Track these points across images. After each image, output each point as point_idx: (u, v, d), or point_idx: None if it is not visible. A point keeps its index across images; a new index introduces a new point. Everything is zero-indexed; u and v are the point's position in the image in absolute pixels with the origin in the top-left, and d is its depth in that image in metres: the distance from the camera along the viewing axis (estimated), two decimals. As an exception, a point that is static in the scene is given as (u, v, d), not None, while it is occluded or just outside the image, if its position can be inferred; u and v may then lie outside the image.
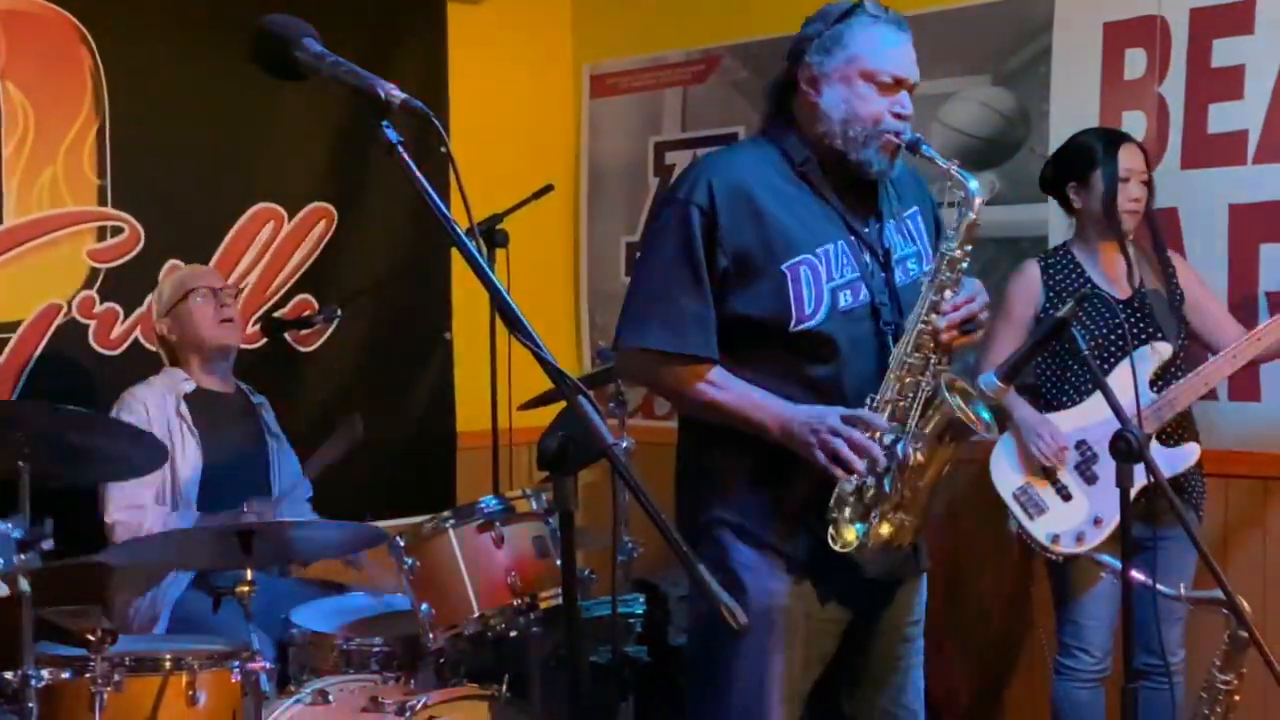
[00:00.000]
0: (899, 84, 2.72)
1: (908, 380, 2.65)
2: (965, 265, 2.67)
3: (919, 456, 2.63)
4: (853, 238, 2.73)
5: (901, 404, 2.65)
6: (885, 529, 2.65)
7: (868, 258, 2.74)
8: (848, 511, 2.65)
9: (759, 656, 2.72)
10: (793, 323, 2.67)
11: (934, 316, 2.65)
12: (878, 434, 2.61)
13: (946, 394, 2.62)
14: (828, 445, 2.60)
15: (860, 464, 2.59)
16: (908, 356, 2.65)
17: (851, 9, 2.74)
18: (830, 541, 2.65)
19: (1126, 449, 2.61)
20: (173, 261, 4.48)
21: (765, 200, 2.69)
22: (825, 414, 2.63)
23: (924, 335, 2.65)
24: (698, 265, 2.68)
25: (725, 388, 2.70)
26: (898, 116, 2.71)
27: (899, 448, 2.62)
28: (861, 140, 2.70)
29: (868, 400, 2.66)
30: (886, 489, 2.63)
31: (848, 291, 2.70)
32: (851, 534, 2.65)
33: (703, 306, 2.69)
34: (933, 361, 2.66)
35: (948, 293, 2.66)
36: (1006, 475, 3.78)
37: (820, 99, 2.72)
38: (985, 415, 2.68)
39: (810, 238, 2.70)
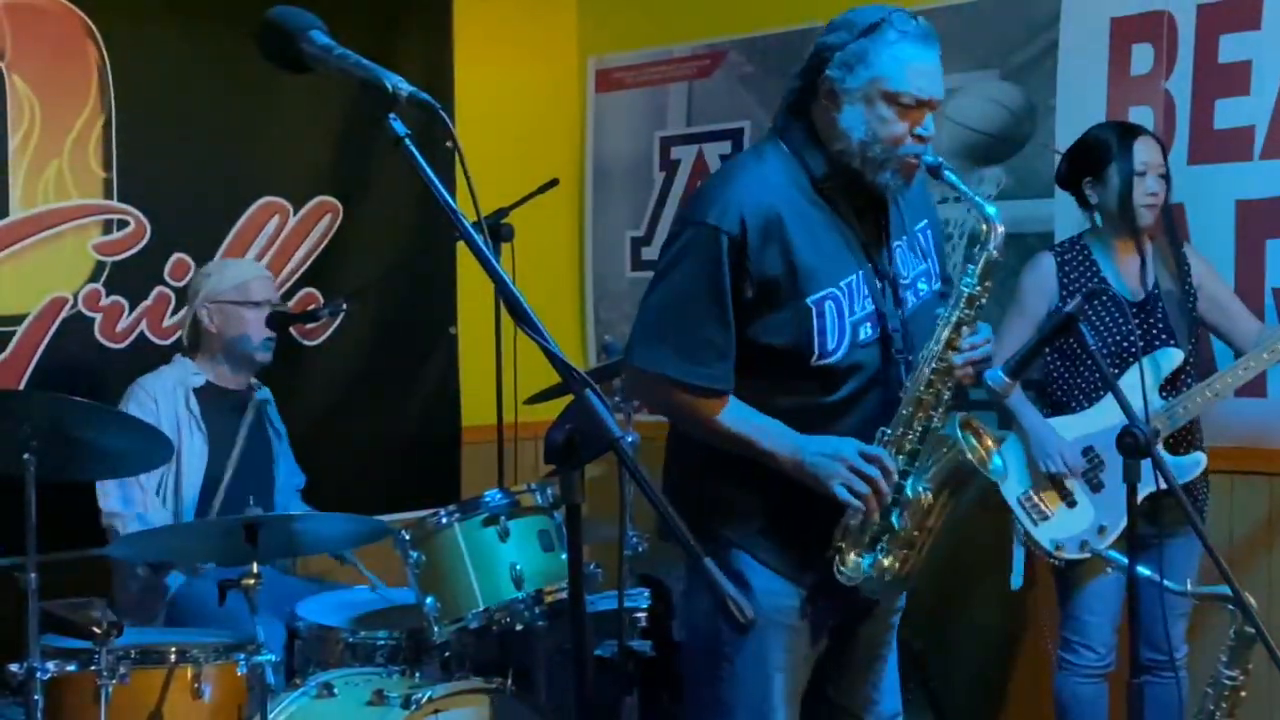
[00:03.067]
0: (922, 106, 2.62)
1: (920, 416, 2.64)
2: (984, 302, 2.65)
3: (927, 496, 2.63)
4: (870, 266, 2.71)
5: (911, 438, 2.65)
6: (890, 562, 2.65)
7: (880, 285, 2.72)
8: (853, 544, 2.66)
9: (765, 656, 2.73)
10: (815, 357, 2.65)
11: (950, 354, 2.63)
12: (891, 471, 2.61)
13: (960, 436, 2.61)
14: (845, 479, 2.60)
15: (874, 500, 2.60)
16: (922, 393, 2.63)
17: (878, 22, 2.61)
18: (836, 573, 2.66)
19: (1133, 445, 2.61)
20: (179, 255, 4.48)
21: (794, 229, 2.64)
22: (840, 447, 2.62)
23: (938, 372, 2.63)
24: (722, 294, 2.62)
25: (739, 419, 2.67)
26: (919, 139, 2.63)
27: (908, 486, 2.62)
28: (880, 162, 2.63)
29: (878, 434, 2.66)
30: (895, 525, 2.63)
31: (867, 325, 2.69)
32: (857, 566, 2.66)
33: (724, 337, 2.64)
34: (945, 398, 2.65)
35: (965, 330, 2.64)
36: (1011, 481, 3.77)
37: (839, 116, 2.64)
38: (998, 462, 2.67)
39: (834, 270, 2.67)
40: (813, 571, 2.71)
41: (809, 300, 2.64)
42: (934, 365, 2.63)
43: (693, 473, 2.81)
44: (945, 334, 2.63)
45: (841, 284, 2.67)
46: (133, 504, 3.80)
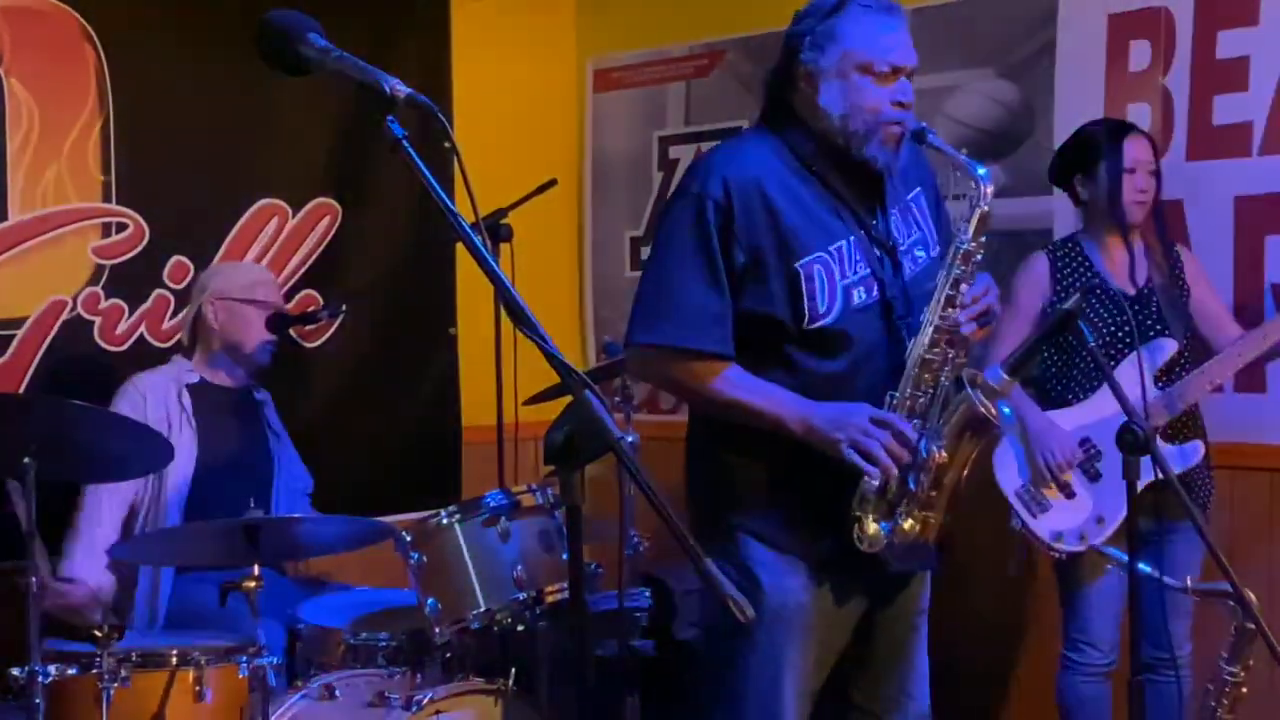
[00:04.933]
0: (897, 72, 2.67)
1: (926, 376, 2.65)
2: (980, 257, 2.67)
3: (942, 454, 2.63)
4: (862, 232, 2.72)
5: (921, 400, 2.65)
6: (910, 526, 2.65)
7: (878, 252, 2.73)
8: (871, 510, 2.65)
9: (775, 653, 2.73)
10: (807, 321, 2.66)
11: (950, 311, 2.64)
12: (906, 435, 2.61)
13: (969, 389, 2.61)
14: (859, 445, 2.60)
15: (888, 460, 2.59)
16: (925, 353, 2.64)
17: (841, 1, 2.68)
18: (856, 541, 2.65)
19: (1132, 441, 2.61)
20: (178, 258, 4.48)
21: (777, 196, 2.67)
22: (853, 412, 2.62)
23: (941, 331, 2.64)
24: (714, 259, 2.65)
25: (743, 386, 2.68)
26: (899, 105, 2.67)
27: (923, 446, 2.62)
28: (864, 134, 2.67)
29: (887, 398, 2.66)
30: (911, 487, 2.63)
31: (860, 289, 2.70)
32: (877, 532, 2.65)
33: (720, 301, 2.66)
34: (951, 356, 2.65)
35: (963, 286, 2.65)
36: (1010, 474, 3.77)
37: (819, 97, 2.69)
38: (1006, 411, 2.68)
39: (823, 235, 2.68)
40: (828, 549, 2.71)
41: (797, 265, 2.66)
42: (935, 324, 2.65)
43: (706, 459, 2.83)
44: (944, 292, 2.65)
45: (830, 248, 2.69)
46: (92, 566, 3.79)
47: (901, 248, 2.77)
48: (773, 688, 2.74)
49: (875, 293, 2.71)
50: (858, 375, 2.70)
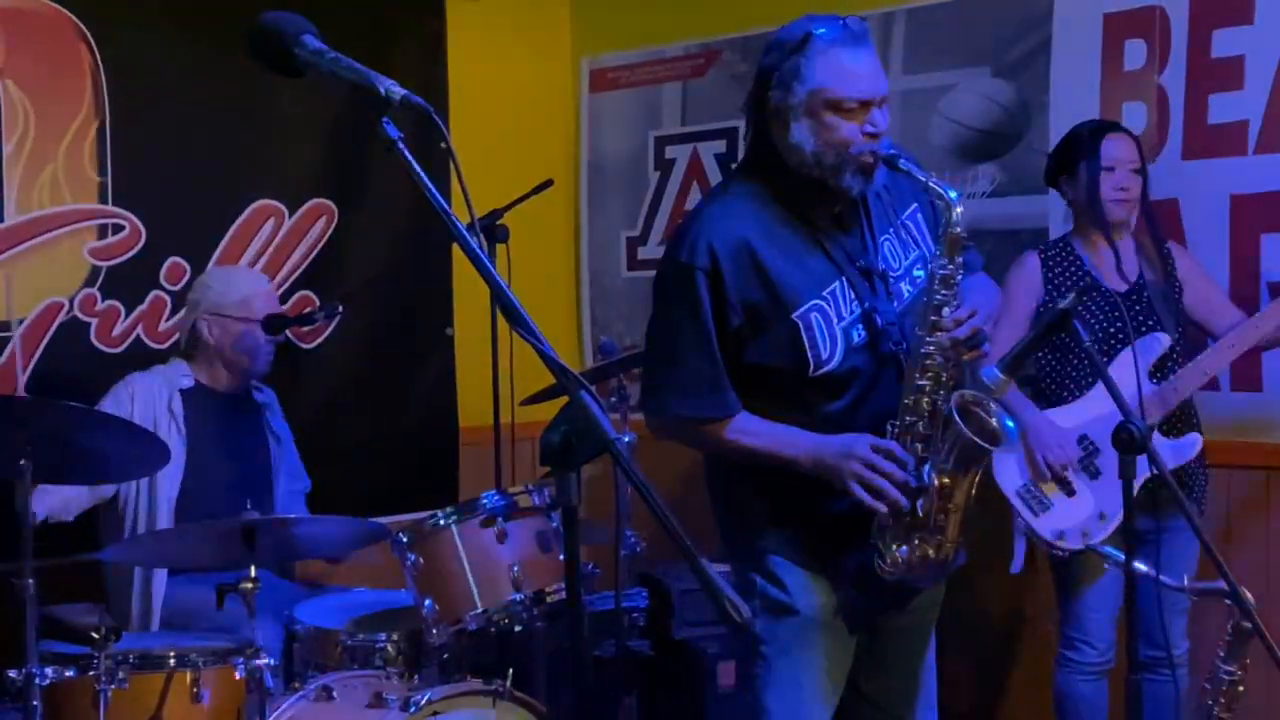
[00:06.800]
0: (866, 105, 2.66)
1: (923, 402, 2.67)
2: (959, 278, 2.68)
3: (944, 480, 2.65)
4: (853, 268, 2.75)
5: (920, 426, 2.68)
6: (926, 549, 2.69)
7: (868, 285, 2.75)
8: (890, 536, 2.69)
9: (798, 652, 2.79)
10: (812, 369, 2.71)
11: (937, 336, 2.66)
12: (904, 462, 2.64)
13: (958, 417, 2.62)
14: (860, 477, 2.64)
15: (894, 492, 2.63)
16: (918, 379, 2.67)
17: (804, 36, 2.66)
18: (877, 569, 2.69)
19: (1129, 440, 2.61)
20: (175, 259, 4.48)
21: (766, 251, 2.70)
22: (853, 444, 2.66)
23: (930, 357, 2.66)
24: (705, 328, 2.70)
25: (753, 433, 2.75)
26: (870, 136, 2.67)
27: (926, 473, 2.65)
28: (837, 167, 2.68)
29: (888, 427, 2.69)
30: (920, 513, 2.66)
31: (858, 326, 2.73)
32: (896, 559, 2.69)
33: (713, 368, 2.72)
34: (944, 379, 2.67)
35: (946, 310, 2.67)
36: (1010, 473, 3.77)
37: (789, 135, 2.69)
38: (1009, 424, 2.69)
39: (815, 282, 2.72)
40: (848, 569, 2.75)
41: (794, 316, 2.70)
42: (922, 350, 2.66)
43: (725, 492, 2.90)
44: (927, 318, 2.67)
45: (824, 293, 2.72)
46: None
47: (896, 273, 2.80)
48: (798, 686, 2.79)
49: (871, 326, 2.74)
50: (862, 407, 2.74)
